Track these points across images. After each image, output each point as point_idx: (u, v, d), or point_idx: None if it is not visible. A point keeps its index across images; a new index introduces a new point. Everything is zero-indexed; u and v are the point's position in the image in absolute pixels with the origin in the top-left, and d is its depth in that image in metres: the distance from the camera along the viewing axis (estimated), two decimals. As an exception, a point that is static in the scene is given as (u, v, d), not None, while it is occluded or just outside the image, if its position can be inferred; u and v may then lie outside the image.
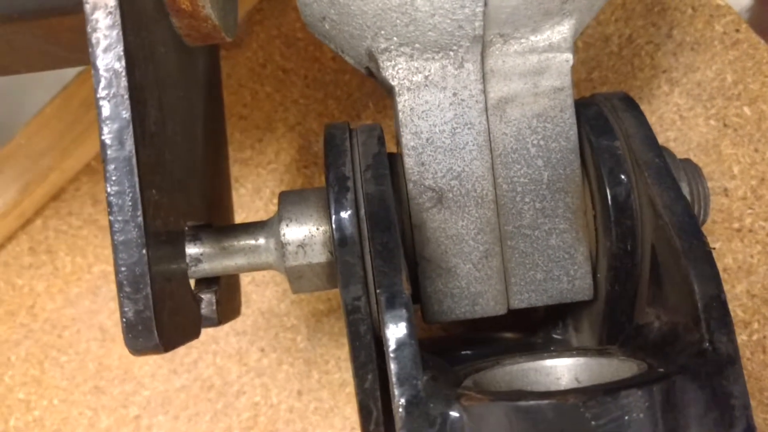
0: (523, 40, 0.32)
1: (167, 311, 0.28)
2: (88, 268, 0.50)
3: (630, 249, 0.32)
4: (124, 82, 0.26)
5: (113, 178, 0.26)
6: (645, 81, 0.48)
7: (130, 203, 0.26)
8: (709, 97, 0.47)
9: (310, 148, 0.49)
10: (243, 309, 0.43)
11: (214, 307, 0.34)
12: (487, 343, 0.39)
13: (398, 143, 0.34)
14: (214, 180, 0.37)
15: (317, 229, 0.33)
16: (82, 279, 0.49)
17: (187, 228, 0.33)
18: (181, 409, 0.48)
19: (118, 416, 0.48)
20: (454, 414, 0.26)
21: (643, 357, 0.29)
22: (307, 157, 0.49)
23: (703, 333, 0.27)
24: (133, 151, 0.26)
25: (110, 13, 0.26)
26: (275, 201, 0.49)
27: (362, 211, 0.31)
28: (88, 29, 0.26)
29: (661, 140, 0.35)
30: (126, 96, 0.26)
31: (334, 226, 0.31)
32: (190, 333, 0.32)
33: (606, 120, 0.34)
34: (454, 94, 0.33)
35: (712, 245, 0.34)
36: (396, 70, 0.33)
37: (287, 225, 0.33)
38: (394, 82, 0.33)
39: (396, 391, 0.26)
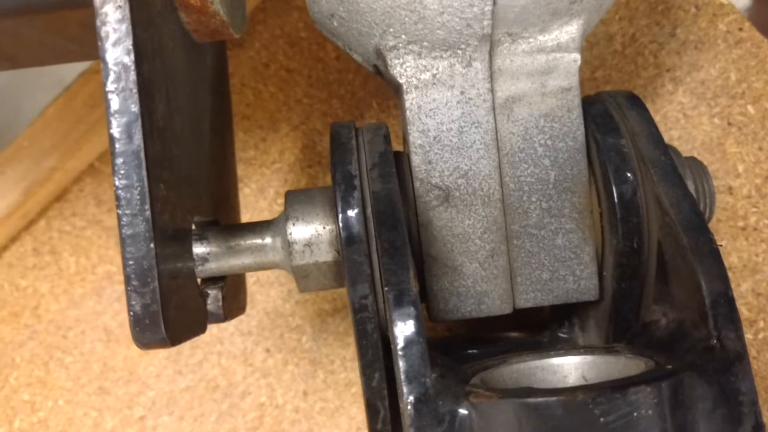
0: (531, 40, 0.32)
1: (174, 305, 0.28)
2: (92, 269, 0.49)
3: (636, 246, 0.32)
4: (133, 76, 0.26)
5: (122, 171, 0.26)
6: (649, 80, 0.48)
7: (138, 197, 0.26)
8: (713, 95, 0.47)
9: (314, 148, 0.49)
10: (248, 309, 0.43)
11: (221, 303, 0.34)
12: (493, 342, 0.39)
13: (405, 141, 0.34)
14: (221, 176, 0.37)
15: (324, 227, 0.33)
16: (87, 280, 0.49)
17: (194, 225, 0.33)
18: (186, 410, 0.48)
19: (123, 417, 0.48)
20: (462, 411, 0.26)
21: (651, 354, 0.29)
22: (311, 156, 0.49)
23: (710, 330, 0.27)
24: (142, 145, 0.26)
25: (120, 6, 0.26)
26: (279, 201, 0.49)
27: (369, 210, 0.31)
28: (98, 23, 0.26)
29: (665, 139, 0.35)
30: (135, 90, 0.26)
31: (341, 224, 0.31)
32: (197, 328, 0.32)
33: (612, 118, 0.34)
34: (462, 93, 0.33)
35: (717, 243, 0.34)
36: (404, 68, 0.33)
37: (294, 224, 0.33)
38: (401, 80, 0.33)
39: (404, 389, 0.26)
